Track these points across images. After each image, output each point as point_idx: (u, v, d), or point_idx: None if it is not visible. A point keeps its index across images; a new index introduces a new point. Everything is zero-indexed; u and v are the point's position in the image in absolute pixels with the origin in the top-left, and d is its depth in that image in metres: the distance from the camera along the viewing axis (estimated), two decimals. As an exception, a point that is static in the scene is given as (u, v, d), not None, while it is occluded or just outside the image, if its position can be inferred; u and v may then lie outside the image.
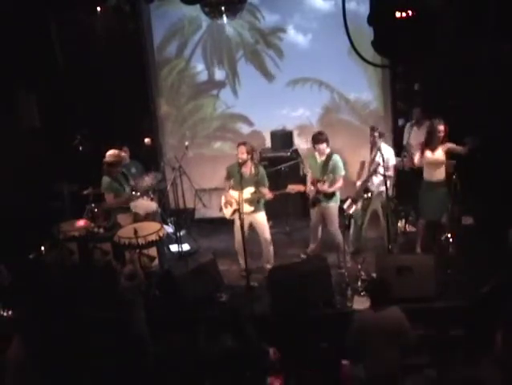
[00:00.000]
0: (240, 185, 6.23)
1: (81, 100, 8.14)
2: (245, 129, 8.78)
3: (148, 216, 6.84)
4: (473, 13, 6.65)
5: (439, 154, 6.16)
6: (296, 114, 8.54)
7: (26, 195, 7.18)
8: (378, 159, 6.25)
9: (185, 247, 7.37)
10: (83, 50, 7.97)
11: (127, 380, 4.76)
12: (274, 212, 7.26)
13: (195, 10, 7.75)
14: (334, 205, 6.51)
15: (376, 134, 6.34)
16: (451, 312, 5.39)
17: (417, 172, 6.83)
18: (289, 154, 8.07)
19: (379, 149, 6.23)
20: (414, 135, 7.25)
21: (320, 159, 6.44)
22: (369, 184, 6.37)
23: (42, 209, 7.22)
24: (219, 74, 8.66)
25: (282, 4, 8.19)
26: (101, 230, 6.74)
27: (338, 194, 6.53)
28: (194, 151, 8.69)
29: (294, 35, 8.26)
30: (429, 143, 6.18)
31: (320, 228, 6.73)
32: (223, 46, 8.51)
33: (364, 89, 8.35)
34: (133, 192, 6.71)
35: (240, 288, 6.32)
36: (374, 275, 6.07)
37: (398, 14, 3.70)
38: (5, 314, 5.37)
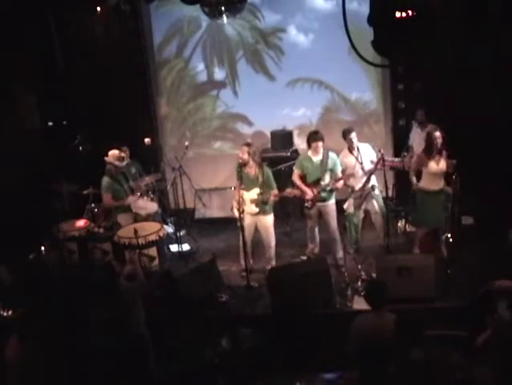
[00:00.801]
0: (242, 185, 6.23)
1: (81, 100, 8.14)
2: (245, 129, 8.78)
3: (149, 217, 6.83)
4: (473, 13, 6.65)
5: (442, 164, 6.12)
6: (297, 114, 8.54)
7: (26, 195, 7.18)
8: (365, 159, 6.36)
9: (185, 247, 7.37)
10: (83, 50, 7.98)
11: (127, 380, 4.76)
12: (274, 212, 7.25)
13: (195, 10, 7.75)
14: (333, 203, 6.52)
15: (354, 137, 6.36)
16: (451, 312, 5.38)
17: (417, 172, 6.83)
18: (289, 154, 8.06)
19: (358, 150, 6.35)
20: (417, 137, 7.23)
21: (316, 158, 6.37)
22: (369, 184, 6.35)
23: (42, 209, 7.22)
24: (219, 74, 8.66)
25: (283, 4, 8.18)
26: (101, 230, 6.75)
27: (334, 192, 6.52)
28: (194, 151, 8.69)
29: (295, 35, 8.25)
30: (429, 152, 6.13)
31: (317, 229, 6.72)
32: (223, 46, 8.51)
33: (364, 89, 8.35)
34: (133, 192, 6.71)
35: (240, 288, 6.32)
36: (374, 275, 6.07)
37: (398, 14, 3.70)
38: (5, 314, 5.36)
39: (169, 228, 7.62)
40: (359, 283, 6.06)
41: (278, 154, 8.11)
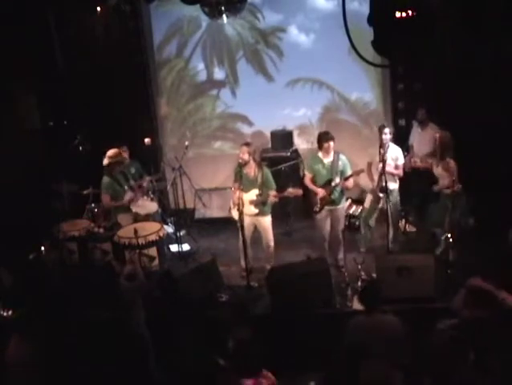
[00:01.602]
0: (242, 186, 6.22)
1: (81, 100, 8.14)
2: (245, 129, 8.79)
3: (149, 216, 6.83)
4: (473, 13, 6.65)
5: (453, 168, 6.13)
6: (297, 114, 8.54)
7: (26, 195, 7.18)
8: (388, 158, 6.29)
9: (185, 247, 7.38)
10: (83, 50, 7.98)
11: (127, 380, 4.76)
12: (274, 212, 7.24)
13: (195, 10, 7.75)
14: (343, 207, 6.51)
15: (387, 133, 6.35)
16: (451, 312, 5.37)
17: (417, 172, 6.85)
18: (289, 154, 8.07)
19: (387, 148, 6.30)
20: (417, 137, 7.23)
21: (327, 160, 6.30)
22: (383, 183, 6.31)
23: (42, 209, 7.22)
24: (219, 74, 8.66)
25: (284, 4, 8.19)
26: (101, 230, 6.75)
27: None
28: (194, 151, 8.69)
29: (295, 35, 8.26)
30: (433, 154, 6.19)
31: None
32: (223, 46, 8.51)
33: (364, 89, 8.35)
34: (133, 192, 6.71)
35: (240, 288, 6.32)
36: (374, 275, 6.07)
37: (398, 14, 3.70)
38: (5, 314, 5.36)
39: (169, 228, 7.63)
40: (359, 283, 6.06)
41: (278, 154, 8.12)
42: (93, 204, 7.06)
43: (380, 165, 6.31)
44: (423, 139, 7.09)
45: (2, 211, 6.75)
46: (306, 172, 6.52)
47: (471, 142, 6.88)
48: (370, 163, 6.60)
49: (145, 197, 7.15)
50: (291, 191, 6.33)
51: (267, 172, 6.45)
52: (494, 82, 6.92)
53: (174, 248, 7.33)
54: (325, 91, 8.41)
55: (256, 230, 6.50)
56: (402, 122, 8.04)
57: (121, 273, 5.22)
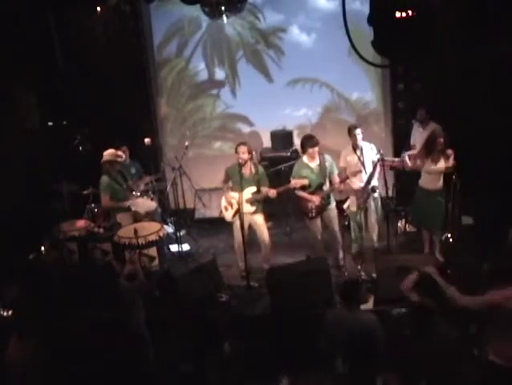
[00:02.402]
0: (241, 186, 6.21)
1: (81, 100, 8.14)
2: (245, 129, 8.79)
3: (148, 215, 6.83)
4: (473, 13, 6.65)
5: (441, 164, 6.13)
6: (297, 114, 8.54)
7: (26, 195, 7.18)
8: (366, 159, 6.28)
9: (185, 247, 7.37)
10: (83, 50, 7.98)
11: (127, 380, 4.76)
12: (274, 212, 7.26)
13: (195, 10, 7.75)
14: (334, 206, 6.50)
15: (359, 134, 6.29)
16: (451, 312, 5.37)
17: (417, 172, 6.83)
18: (289, 154, 8.06)
19: (361, 149, 6.30)
20: (418, 136, 7.23)
21: (313, 164, 6.28)
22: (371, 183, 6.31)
23: (42, 209, 7.22)
24: (219, 74, 8.66)
25: (286, 4, 8.19)
26: (101, 230, 6.74)
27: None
28: (194, 151, 8.70)
29: (297, 35, 8.26)
30: (430, 151, 6.14)
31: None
32: (223, 46, 8.51)
33: (364, 89, 8.35)
34: (132, 192, 6.71)
35: (240, 288, 6.32)
36: (374, 275, 6.07)
37: (398, 14, 3.70)
38: (5, 314, 5.36)
39: (169, 228, 7.62)
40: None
41: (278, 154, 8.12)
42: (93, 204, 7.06)
43: (359, 167, 6.27)
44: (423, 138, 7.07)
45: (2, 211, 6.75)
46: (292, 180, 6.34)
47: (471, 142, 6.88)
48: (344, 167, 6.44)
49: (145, 197, 7.15)
50: (295, 181, 6.22)
51: (262, 169, 6.49)
52: (494, 82, 6.93)
53: (174, 248, 7.33)
54: (325, 90, 8.41)
55: (250, 229, 6.51)
56: (402, 122, 8.04)
57: (121, 273, 5.22)
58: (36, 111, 8.07)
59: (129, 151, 7.50)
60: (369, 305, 5.58)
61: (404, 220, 7.36)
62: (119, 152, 6.85)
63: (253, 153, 6.58)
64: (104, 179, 6.54)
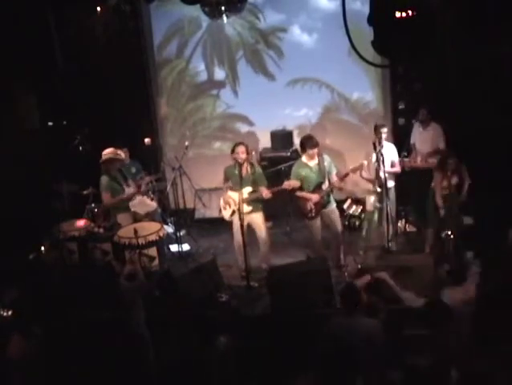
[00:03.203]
0: (239, 186, 6.21)
1: (81, 100, 8.14)
2: (245, 129, 8.79)
3: (148, 215, 6.83)
4: (473, 13, 6.65)
5: (454, 181, 6.22)
6: (297, 114, 8.54)
7: (26, 195, 7.18)
8: (385, 157, 6.28)
9: (185, 247, 7.37)
10: (83, 50, 7.98)
11: (127, 380, 4.76)
12: (274, 212, 7.26)
13: (195, 10, 7.75)
14: (335, 206, 6.49)
15: (385, 132, 6.32)
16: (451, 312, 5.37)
17: (418, 172, 6.84)
18: (289, 154, 8.06)
19: (383, 147, 6.28)
20: (419, 136, 7.22)
21: (313, 163, 6.29)
22: (382, 180, 6.29)
23: (42, 209, 7.22)
24: (219, 74, 8.66)
25: (287, 3, 8.18)
26: (101, 230, 6.74)
27: None
28: (194, 151, 8.69)
29: (298, 35, 8.25)
30: (442, 171, 6.25)
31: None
32: (223, 46, 8.51)
33: (364, 89, 8.35)
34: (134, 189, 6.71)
35: (240, 288, 6.32)
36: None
37: (398, 14, 3.70)
38: (5, 314, 5.36)
39: (169, 228, 7.62)
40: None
41: (278, 154, 8.11)
42: (93, 204, 7.06)
43: (375, 165, 6.29)
44: (424, 138, 7.08)
45: (2, 211, 6.75)
46: (292, 179, 6.35)
47: (471, 142, 6.88)
48: (361, 164, 6.41)
49: (145, 197, 7.15)
50: (289, 183, 6.25)
51: (259, 169, 6.50)
52: (494, 82, 6.93)
53: (174, 248, 7.33)
54: (325, 90, 8.41)
55: (249, 228, 6.50)
56: (402, 122, 8.03)
57: (121, 273, 5.22)
58: (36, 111, 8.07)
59: (129, 151, 7.50)
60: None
61: (404, 220, 7.36)
62: (119, 151, 6.86)
63: (253, 153, 6.59)
64: (104, 178, 6.54)
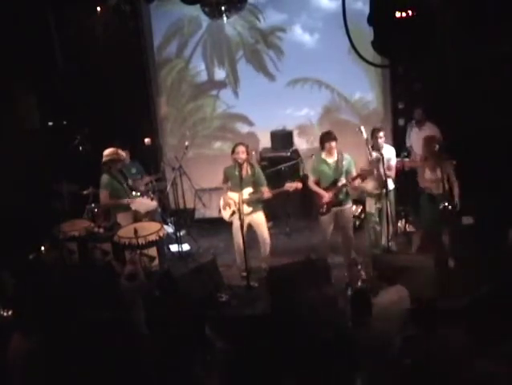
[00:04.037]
0: (239, 186, 6.20)
1: (81, 100, 8.14)
2: (245, 129, 8.80)
3: (148, 215, 6.83)
4: (473, 13, 6.65)
5: (438, 172, 6.05)
6: (297, 114, 8.55)
7: (26, 195, 7.18)
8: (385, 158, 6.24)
9: (185, 247, 7.37)
10: (83, 50, 7.98)
11: (127, 380, 4.75)
12: (274, 212, 7.26)
13: (195, 10, 7.76)
14: (350, 206, 6.43)
15: (382, 136, 6.30)
16: (451, 312, 5.37)
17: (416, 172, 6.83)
18: (289, 154, 8.06)
19: (380, 150, 6.23)
20: (415, 136, 7.23)
21: (331, 160, 6.23)
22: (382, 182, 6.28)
23: (42, 209, 7.22)
24: (219, 74, 8.66)
25: (288, 3, 8.19)
26: (101, 230, 6.74)
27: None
28: (194, 151, 8.69)
29: (299, 35, 8.27)
30: (427, 158, 6.13)
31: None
32: (223, 46, 8.51)
33: (364, 89, 8.36)
34: (132, 192, 6.71)
35: (240, 288, 6.32)
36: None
37: (398, 14, 3.70)
38: (5, 314, 5.36)
39: (169, 228, 7.62)
40: (359, 283, 6.05)
41: (278, 154, 8.12)
42: (93, 204, 7.06)
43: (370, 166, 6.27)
44: (421, 138, 7.08)
45: (2, 211, 6.75)
46: (310, 175, 6.41)
47: (471, 141, 6.89)
48: (371, 169, 6.38)
49: (145, 197, 7.15)
50: (290, 185, 6.26)
51: (258, 169, 6.50)
52: (494, 82, 6.93)
53: (174, 248, 7.33)
54: (325, 90, 8.42)
55: (250, 228, 6.50)
56: (402, 122, 8.04)
57: (121, 273, 5.22)
58: (36, 111, 8.07)
59: (129, 151, 7.49)
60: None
61: (404, 220, 7.36)
62: (120, 151, 6.86)
63: (253, 153, 6.59)
64: (105, 177, 6.53)
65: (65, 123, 8.32)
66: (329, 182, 6.25)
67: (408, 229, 7.30)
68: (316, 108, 8.52)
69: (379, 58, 5.26)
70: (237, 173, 6.23)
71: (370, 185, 6.46)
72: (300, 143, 8.53)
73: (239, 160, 6.22)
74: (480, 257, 6.14)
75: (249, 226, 6.48)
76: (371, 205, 6.51)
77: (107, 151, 6.56)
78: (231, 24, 8.19)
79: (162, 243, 6.72)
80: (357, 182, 6.22)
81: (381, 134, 6.32)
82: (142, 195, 7.00)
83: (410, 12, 3.69)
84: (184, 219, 8.06)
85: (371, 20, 3.84)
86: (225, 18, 7.24)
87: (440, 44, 6.19)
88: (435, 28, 3.80)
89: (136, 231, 5.85)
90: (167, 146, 8.93)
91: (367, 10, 3.91)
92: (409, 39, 3.77)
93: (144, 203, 6.87)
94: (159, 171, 8.08)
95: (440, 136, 7.06)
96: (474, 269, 5.94)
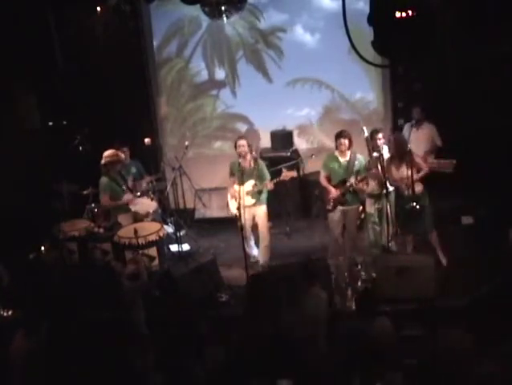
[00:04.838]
0: (241, 180, 6.31)
1: (81, 100, 8.14)
2: (245, 129, 8.79)
3: (148, 215, 6.83)
4: (473, 13, 6.66)
5: (403, 171, 5.99)
6: (297, 114, 8.54)
7: (26, 195, 7.18)
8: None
9: (185, 247, 7.37)
10: (83, 50, 7.98)
11: (127, 380, 4.76)
12: (274, 212, 7.24)
13: (195, 10, 7.76)
14: (357, 207, 6.42)
15: (381, 138, 6.29)
16: (451, 312, 5.38)
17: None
18: (289, 154, 8.05)
19: (379, 151, 6.22)
20: (413, 136, 7.22)
21: (343, 159, 6.22)
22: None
23: (42, 209, 7.22)
24: (219, 74, 8.66)
25: (289, 3, 8.19)
26: (101, 230, 6.74)
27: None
28: (194, 151, 8.69)
29: (300, 35, 8.26)
30: (393, 158, 6.11)
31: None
32: (223, 45, 8.51)
33: (365, 89, 8.36)
34: (132, 193, 6.71)
35: (240, 288, 6.32)
36: (374, 275, 6.07)
37: (398, 14, 3.70)
38: (5, 314, 5.37)
39: (169, 228, 7.62)
40: (359, 283, 6.06)
41: (278, 154, 8.11)
42: (93, 204, 7.06)
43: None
44: (419, 137, 7.08)
45: (3, 211, 6.75)
46: (321, 171, 6.43)
47: (471, 141, 6.89)
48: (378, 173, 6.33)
49: (145, 197, 7.15)
50: (286, 173, 6.36)
51: (262, 163, 6.61)
52: (494, 82, 6.93)
53: (174, 248, 7.32)
54: (325, 90, 8.41)
55: (254, 221, 6.61)
56: (402, 122, 8.03)
57: (121, 273, 5.22)
58: (36, 111, 8.08)
59: (129, 151, 7.49)
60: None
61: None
62: (119, 153, 6.85)
63: (253, 153, 6.63)
64: (103, 180, 6.54)
65: (65, 123, 8.32)
66: (337, 180, 6.25)
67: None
68: (316, 108, 8.51)
69: (379, 58, 5.26)
70: (241, 165, 6.36)
71: (370, 186, 6.45)
72: (300, 143, 8.53)
73: (241, 152, 6.39)
74: (480, 257, 6.14)
75: (254, 219, 6.59)
76: (371, 205, 6.50)
77: (106, 153, 6.56)
78: (231, 24, 8.19)
79: (162, 243, 6.71)
80: (363, 184, 6.19)
81: (380, 135, 6.32)
82: (142, 195, 7.00)
83: (410, 12, 3.69)
84: (184, 219, 8.05)
85: (371, 20, 3.85)
86: (225, 18, 7.24)
87: (440, 44, 6.18)
88: (435, 28, 3.80)
89: (135, 231, 5.85)
90: (167, 146, 8.93)
91: (367, 9, 3.91)
92: (409, 39, 3.77)
93: (144, 203, 6.87)
94: (159, 171, 8.07)
95: (437, 136, 7.08)
96: (474, 269, 5.94)
